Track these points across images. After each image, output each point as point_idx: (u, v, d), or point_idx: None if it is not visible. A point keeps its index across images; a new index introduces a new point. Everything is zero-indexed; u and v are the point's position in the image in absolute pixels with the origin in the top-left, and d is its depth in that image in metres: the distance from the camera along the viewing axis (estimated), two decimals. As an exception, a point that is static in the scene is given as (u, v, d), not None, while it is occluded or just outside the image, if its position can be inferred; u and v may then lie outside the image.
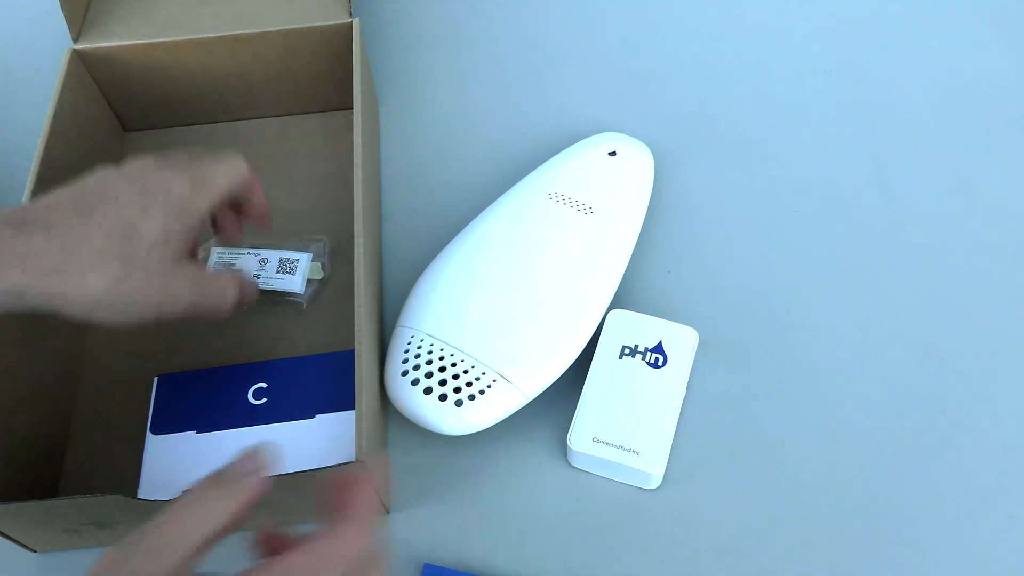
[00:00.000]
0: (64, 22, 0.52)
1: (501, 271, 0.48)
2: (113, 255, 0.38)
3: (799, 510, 0.45)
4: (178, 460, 0.46)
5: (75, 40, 0.53)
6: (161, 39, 0.53)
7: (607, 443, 0.45)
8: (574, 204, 0.51)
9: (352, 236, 0.45)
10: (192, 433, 0.47)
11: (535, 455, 0.47)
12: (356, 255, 0.44)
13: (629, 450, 0.45)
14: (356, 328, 0.42)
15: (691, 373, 0.48)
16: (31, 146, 0.48)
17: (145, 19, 0.54)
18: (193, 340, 0.51)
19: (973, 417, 0.48)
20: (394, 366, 0.46)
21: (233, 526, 0.31)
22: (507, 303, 0.47)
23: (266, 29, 0.53)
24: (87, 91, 0.54)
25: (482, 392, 0.44)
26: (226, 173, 0.43)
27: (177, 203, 0.40)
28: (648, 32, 0.64)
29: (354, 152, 0.47)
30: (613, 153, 0.54)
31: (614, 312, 0.49)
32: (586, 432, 0.45)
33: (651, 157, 0.55)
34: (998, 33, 0.62)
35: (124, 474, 0.47)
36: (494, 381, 0.45)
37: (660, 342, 0.48)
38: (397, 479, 0.47)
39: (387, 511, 0.46)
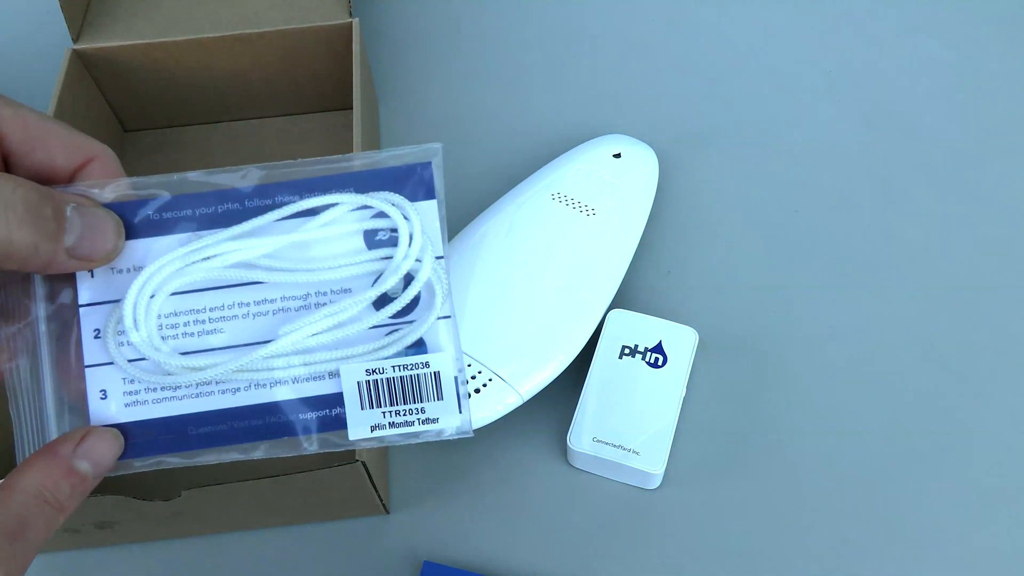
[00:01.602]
0: (64, 22, 0.52)
1: (500, 270, 0.48)
2: None
3: (799, 510, 0.45)
4: None
5: (75, 40, 0.53)
6: (161, 39, 0.53)
7: (607, 443, 0.45)
8: (576, 205, 0.51)
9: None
10: None
11: (535, 455, 0.47)
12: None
13: (629, 450, 0.45)
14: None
15: (691, 373, 0.48)
16: (31, 146, 0.48)
17: (145, 19, 0.54)
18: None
19: (974, 417, 0.48)
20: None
21: None
22: (506, 302, 0.47)
23: (266, 29, 0.53)
24: (87, 91, 0.54)
25: (477, 391, 0.44)
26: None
27: None
28: (649, 33, 0.64)
29: (354, 152, 0.47)
30: (618, 155, 0.54)
31: (614, 312, 0.49)
32: (586, 432, 0.45)
33: (656, 161, 0.55)
34: (998, 33, 0.62)
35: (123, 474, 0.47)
36: (490, 380, 0.45)
37: (660, 342, 0.48)
38: (397, 478, 0.47)
39: (387, 511, 0.46)
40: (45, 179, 0.30)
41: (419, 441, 0.31)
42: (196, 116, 0.59)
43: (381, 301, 0.32)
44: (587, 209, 0.51)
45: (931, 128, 0.58)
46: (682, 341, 0.48)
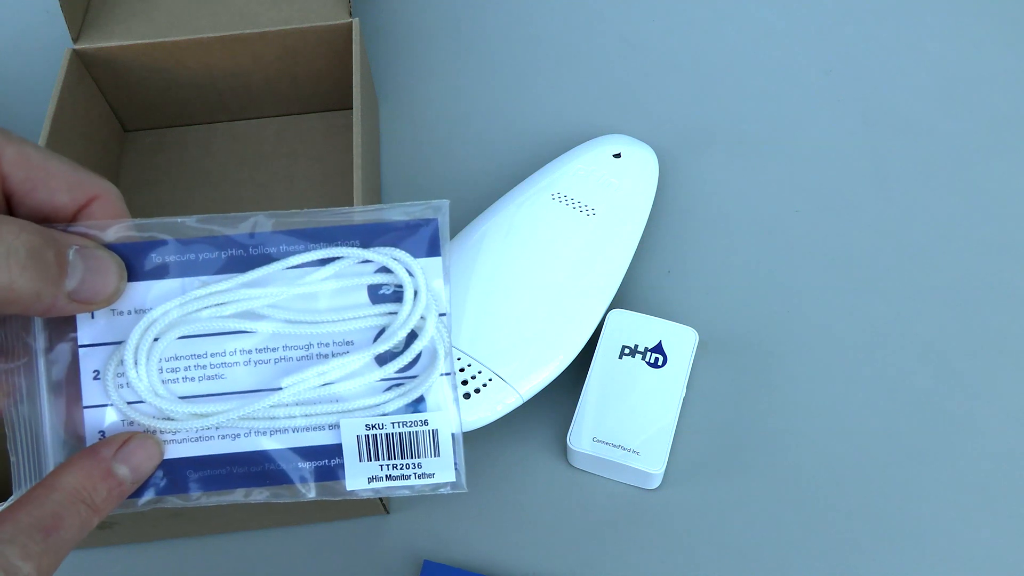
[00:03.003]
0: (64, 22, 0.52)
1: (500, 271, 0.48)
2: None
3: (799, 510, 0.45)
4: None
5: (75, 40, 0.53)
6: (161, 39, 0.53)
7: (607, 443, 0.45)
8: (576, 205, 0.51)
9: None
10: None
11: (535, 455, 0.47)
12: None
13: (629, 450, 0.45)
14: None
15: (691, 373, 0.48)
16: (31, 146, 0.48)
17: (145, 19, 0.54)
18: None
19: (973, 417, 0.48)
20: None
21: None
22: (506, 302, 0.47)
23: (266, 29, 0.53)
24: (87, 91, 0.54)
25: (477, 391, 0.44)
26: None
27: None
28: (648, 33, 0.64)
29: (354, 152, 0.47)
30: (618, 155, 0.54)
31: (614, 312, 0.49)
32: (586, 432, 0.45)
33: (656, 161, 0.55)
34: (998, 33, 0.62)
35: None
36: (490, 380, 0.45)
37: (660, 342, 0.48)
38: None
39: (387, 511, 0.46)
40: (47, 218, 0.29)
41: (414, 494, 0.32)
42: (196, 116, 0.59)
43: (383, 356, 0.32)
44: (587, 209, 0.51)
45: (931, 128, 0.58)
46: (682, 341, 0.48)
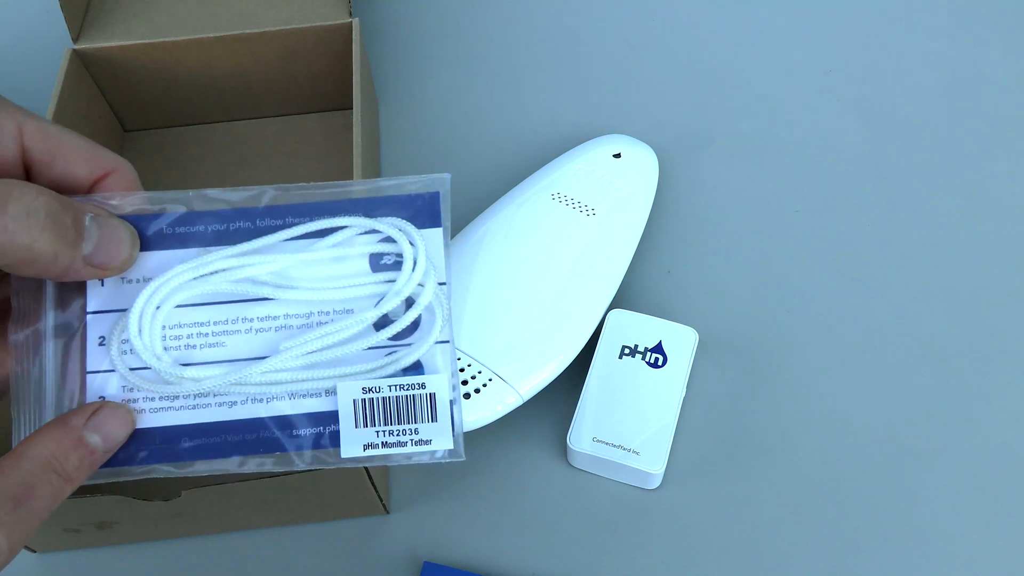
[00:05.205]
0: (64, 22, 0.52)
1: (501, 271, 0.48)
2: None
3: (799, 510, 0.45)
4: None
5: (75, 40, 0.53)
6: (161, 39, 0.53)
7: (607, 443, 0.45)
8: (576, 205, 0.51)
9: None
10: None
11: (535, 455, 0.47)
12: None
13: (629, 450, 0.45)
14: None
15: (691, 373, 0.48)
16: (31, 146, 0.48)
17: (145, 19, 0.54)
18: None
19: (973, 417, 0.48)
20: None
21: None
22: (506, 302, 0.47)
23: (266, 29, 0.53)
24: (87, 91, 0.54)
25: (477, 391, 0.44)
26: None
27: None
28: (648, 33, 0.64)
29: (354, 152, 0.47)
30: (618, 155, 0.54)
31: (614, 312, 0.49)
32: (586, 432, 0.45)
33: (656, 161, 0.55)
34: (998, 33, 0.62)
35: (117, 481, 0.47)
36: (490, 380, 0.45)
37: (660, 342, 0.48)
38: (397, 478, 0.47)
39: (387, 511, 0.46)
40: (64, 190, 0.30)
41: (411, 463, 0.32)
42: (196, 116, 0.59)
43: (382, 323, 0.32)
44: (587, 209, 0.51)
45: (931, 127, 0.58)
46: (682, 341, 0.48)
